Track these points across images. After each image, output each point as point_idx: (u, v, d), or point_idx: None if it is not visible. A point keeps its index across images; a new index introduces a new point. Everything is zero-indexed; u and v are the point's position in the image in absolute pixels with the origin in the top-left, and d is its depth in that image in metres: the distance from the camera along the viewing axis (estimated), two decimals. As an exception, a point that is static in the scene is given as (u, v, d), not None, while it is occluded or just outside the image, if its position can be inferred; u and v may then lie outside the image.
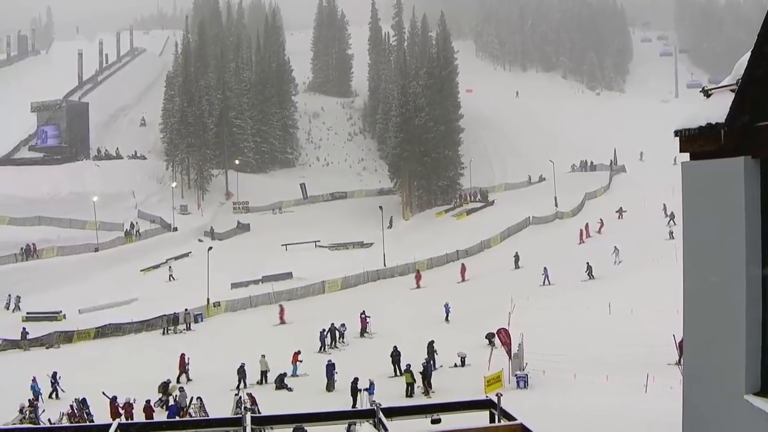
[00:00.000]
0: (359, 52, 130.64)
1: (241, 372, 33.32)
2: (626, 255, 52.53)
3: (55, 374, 33.35)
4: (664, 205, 63.35)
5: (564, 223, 71.91)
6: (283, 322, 47.92)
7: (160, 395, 29.03)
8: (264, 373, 34.16)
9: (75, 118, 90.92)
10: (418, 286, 55.53)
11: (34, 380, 31.73)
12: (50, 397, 32.24)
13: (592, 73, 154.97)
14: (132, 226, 71.11)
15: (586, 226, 64.66)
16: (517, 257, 58.03)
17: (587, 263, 49.62)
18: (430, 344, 34.34)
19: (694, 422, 8.56)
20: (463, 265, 58.44)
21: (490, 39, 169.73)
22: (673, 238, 54.39)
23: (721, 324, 7.90)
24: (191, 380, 34.81)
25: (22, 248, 62.68)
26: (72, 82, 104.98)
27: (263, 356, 34.63)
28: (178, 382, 33.92)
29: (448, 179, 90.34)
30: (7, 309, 55.18)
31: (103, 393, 28.63)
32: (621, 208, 69.69)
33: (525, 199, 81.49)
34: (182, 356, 35.99)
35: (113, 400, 28.14)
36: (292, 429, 13.97)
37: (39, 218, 70.75)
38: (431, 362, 33.15)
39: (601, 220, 66.19)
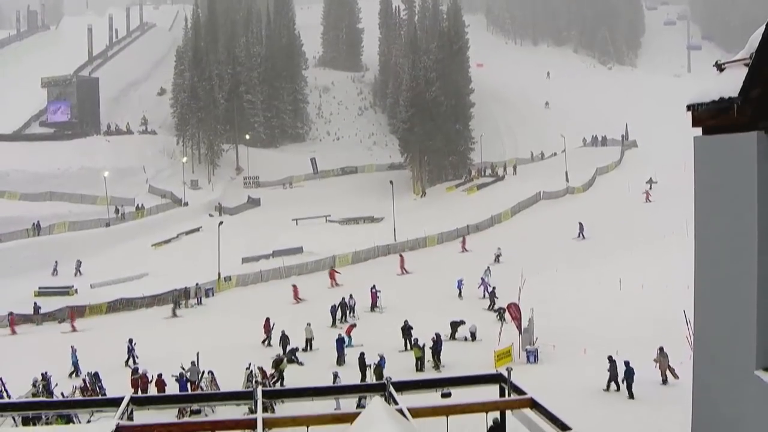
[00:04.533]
0: (370, 26, 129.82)
1: (284, 339, 33.81)
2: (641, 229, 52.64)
3: (131, 340, 33.80)
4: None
5: (575, 198, 71.79)
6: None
7: (273, 371, 28.87)
8: (309, 341, 34.64)
9: (85, 94, 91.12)
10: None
11: (73, 351, 31.83)
12: (126, 364, 32.52)
13: (603, 48, 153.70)
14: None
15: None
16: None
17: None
18: (454, 323, 34.73)
19: (703, 397, 8.56)
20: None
21: (501, 13, 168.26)
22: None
23: (732, 300, 7.87)
24: (271, 345, 35.28)
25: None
26: (82, 58, 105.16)
27: (309, 324, 35.20)
28: (262, 344, 35.08)
29: (458, 154, 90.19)
30: (53, 275, 57.13)
31: (126, 364, 29.08)
32: (651, 178, 69.28)
33: (536, 174, 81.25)
34: (267, 320, 36.29)
35: (134, 371, 28.45)
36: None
37: (50, 194, 71.19)
38: (455, 332, 34.08)
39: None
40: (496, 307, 38.82)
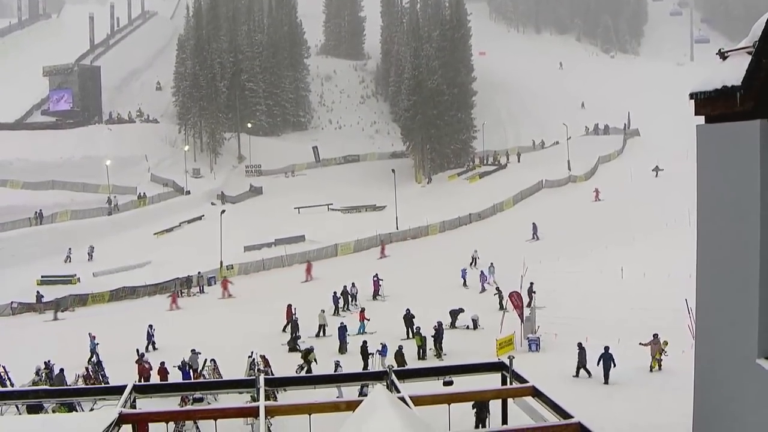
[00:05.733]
0: (372, 14, 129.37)
1: (295, 326, 33.77)
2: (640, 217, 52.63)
3: (150, 326, 33.90)
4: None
5: (577, 186, 71.76)
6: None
7: (302, 362, 28.62)
8: (322, 327, 34.68)
9: (87, 82, 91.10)
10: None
11: (92, 338, 31.40)
12: (154, 348, 32.66)
13: (606, 36, 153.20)
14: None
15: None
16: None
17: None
18: (453, 311, 34.59)
19: (705, 386, 8.57)
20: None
21: (503, 1, 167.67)
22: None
23: (734, 288, 7.86)
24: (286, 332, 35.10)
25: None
26: (83, 46, 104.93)
27: (322, 311, 35.39)
28: (284, 331, 34.65)
29: (460, 142, 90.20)
30: (66, 262, 57.44)
31: (137, 350, 29.28)
32: (657, 166, 69.36)
33: (538, 162, 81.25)
34: (289, 307, 35.94)
35: (141, 357, 28.46)
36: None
37: (52, 182, 71.29)
38: (454, 321, 33.99)
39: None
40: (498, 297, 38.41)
